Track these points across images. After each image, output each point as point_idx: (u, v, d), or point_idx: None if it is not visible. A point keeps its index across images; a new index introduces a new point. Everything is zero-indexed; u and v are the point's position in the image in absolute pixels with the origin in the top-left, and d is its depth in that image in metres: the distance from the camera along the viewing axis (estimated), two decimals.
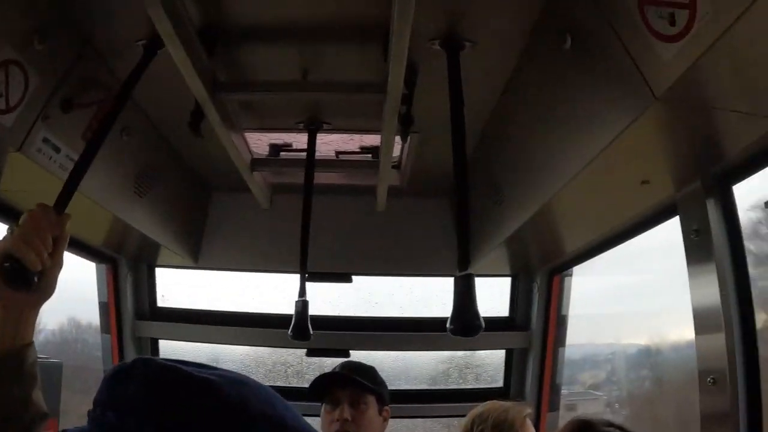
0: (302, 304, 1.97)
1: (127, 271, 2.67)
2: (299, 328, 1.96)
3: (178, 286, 2.82)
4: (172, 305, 2.82)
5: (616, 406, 3.19)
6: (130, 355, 2.72)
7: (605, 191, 1.78)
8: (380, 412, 1.92)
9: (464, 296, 1.41)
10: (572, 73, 1.46)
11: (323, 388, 1.93)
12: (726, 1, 0.95)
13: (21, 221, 1.00)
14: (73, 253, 2.35)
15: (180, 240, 2.47)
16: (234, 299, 2.76)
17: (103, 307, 2.69)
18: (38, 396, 0.97)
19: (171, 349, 2.83)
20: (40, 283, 0.99)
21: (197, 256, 2.64)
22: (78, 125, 1.60)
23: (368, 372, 1.94)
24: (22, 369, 0.95)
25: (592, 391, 3.18)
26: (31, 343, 0.98)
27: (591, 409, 3.05)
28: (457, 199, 1.55)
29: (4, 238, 0.99)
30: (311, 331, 1.98)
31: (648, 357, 2.99)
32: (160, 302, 2.81)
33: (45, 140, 1.51)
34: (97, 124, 1.57)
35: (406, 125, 1.70)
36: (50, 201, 1.16)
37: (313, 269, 2.61)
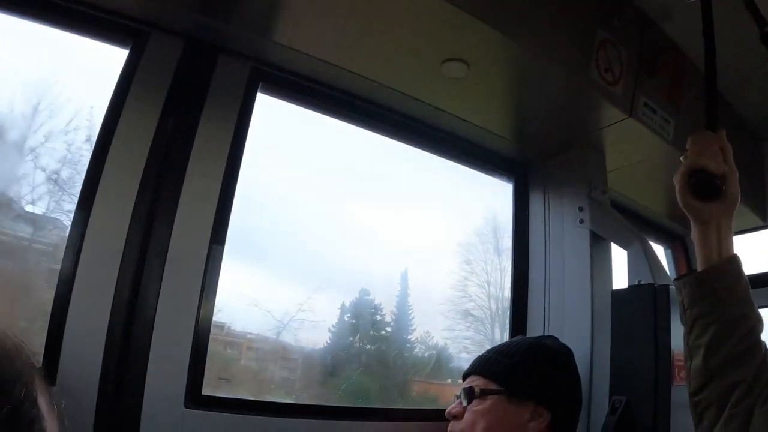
0: None
1: None
2: None
3: None
4: None
5: None
6: None
7: None
8: None
9: None
10: None
11: None
12: None
13: (688, 145, 1.08)
14: None
15: None
16: None
17: None
18: None
19: None
20: (725, 190, 1.04)
21: None
22: (662, 87, 1.74)
23: None
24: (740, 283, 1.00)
25: None
26: (734, 256, 1.01)
27: None
28: None
29: (684, 160, 1.07)
30: None
31: None
32: None
33: (645, 105, 1.66)
34: None
35: None
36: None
37: None
